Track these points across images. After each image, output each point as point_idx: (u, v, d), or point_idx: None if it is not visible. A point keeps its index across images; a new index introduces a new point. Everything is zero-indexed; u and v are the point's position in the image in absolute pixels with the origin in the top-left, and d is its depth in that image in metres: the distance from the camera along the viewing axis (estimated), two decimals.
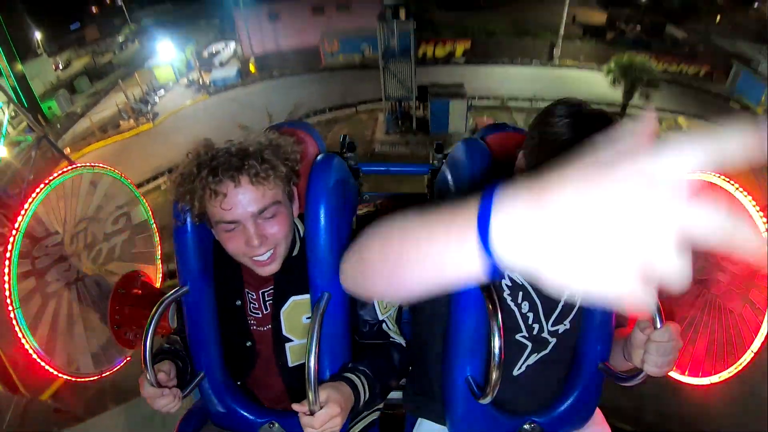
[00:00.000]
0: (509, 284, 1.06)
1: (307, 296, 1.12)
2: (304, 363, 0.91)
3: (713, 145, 0.29)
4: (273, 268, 1.07)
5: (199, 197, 0.97)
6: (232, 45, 21.48)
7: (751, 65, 17.59)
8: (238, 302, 1.16)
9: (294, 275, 1.12)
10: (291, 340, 1.15)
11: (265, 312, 1.16)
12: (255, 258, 1.03)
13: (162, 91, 18.70)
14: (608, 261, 0.30)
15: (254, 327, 1.18)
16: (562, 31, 17.74)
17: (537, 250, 0.32)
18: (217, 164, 0.97)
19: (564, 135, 0.87)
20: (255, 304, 1.16)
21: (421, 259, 0.43)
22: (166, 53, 19.77)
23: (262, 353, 1.19)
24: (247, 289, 1.16)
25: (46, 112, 17.89)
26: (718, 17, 24.81)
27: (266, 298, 1.15)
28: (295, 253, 1.14)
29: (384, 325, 1.16)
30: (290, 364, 1.17)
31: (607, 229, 0.29)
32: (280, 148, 1.04)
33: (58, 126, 17.46)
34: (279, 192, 1.03)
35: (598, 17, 24.85)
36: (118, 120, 16.01)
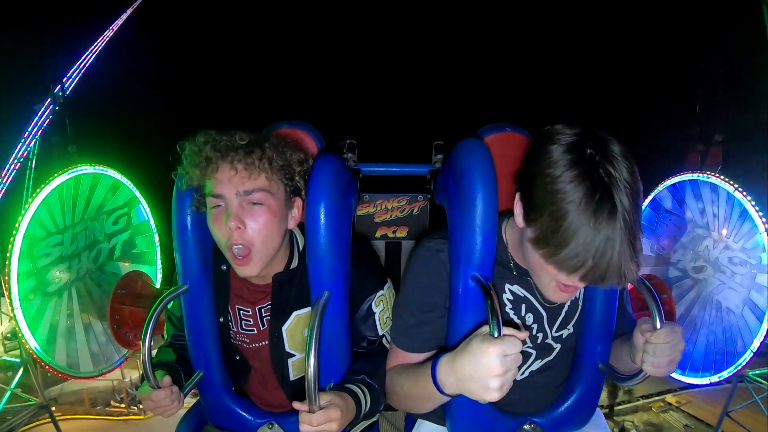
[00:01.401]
0: (510, 298, 1.05)
1: (308, 309, 1.10)
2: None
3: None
4: (249, 270, 1.03)
5: (199, 166, 1.00)
6: None
7: None
8: (221, 319, 1.14)
9: (294, 289, 1.10)
10: (293, 355, 1.14)
11: (261, 329, 1.14)
12: (233, 248, 1.01)
13: None
14: (473, 384, 0.78)
15: (245, 344, 1.16)
16: None
17: (453, 383, 0.83)
18: (220, 139, 1.01)
19: (570, 195, 0.77)
20: (249, 320, 1.14)
21: (414, 397, 1.00)
22: None
23: (257, 368, 1.18)
24: (239, 306, 1.14)
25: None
26: None
27: (263, 314, 1.13)
28: (293, 265, 1.12)
29: (384, 339, 1.15)
30: (292, 378, 1.16)
31: (471, 376, 0.78)
32: (285, 151, 1.05)
33: (48, 374, 16.11)
34: (273, 185, 1.02)
35: None
36: (110, 399, 14.93)
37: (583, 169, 0.78)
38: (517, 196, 0.92)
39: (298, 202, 1.08)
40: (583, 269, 0.79)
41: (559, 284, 0.89)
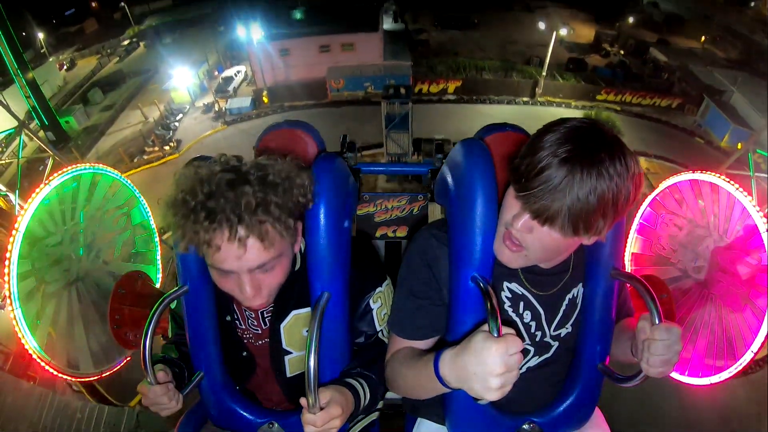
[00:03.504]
0: (509, 296, 1.05)
1: (307, 309, 1.11)
2: (303, 372, 0.91)
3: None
4: (262, 305, 1.02)
5: (193, 241, 0.87)
6: (243, 71, 21.48)
7: (723, 96, 17.52)
8: (228, 318, 1.15)
9: (295, 290, 1.10)
10: (290, 353, 1.15)
11: (263, 327, 1.15)
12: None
13: (180, 115, 18.67)
14: (475, 382, 0.78)
15: (251, 341, 1.17)
16: (544, 72, 18.67)
17: (455, 378, 0.82)
18: (214, 207, 0.84)
19: (547, 141, 0.81)
20: (254, 321, 1.15)
21: (416, 386, 0.99)
22: (180, 76, 19.39)
23: (261, 364, 1.19)
24: (244, 307, 1.15)
25: (65, 127, 17.62)
26: (703, 38, 24.73)
27: (265, 316, 1.14)
28: (296, 267, 1.11)
29: (381, 334, 1.16)
30: (288, 375, 1.17)
31: (474, 374, 0.77)
32: (291, 190, 0.92)
33: (79, 142, 17.27)
34: (284, 244, 0.94)
35: (587, 33, 25.54)
36: (143, 146, 15.93)
37: (567, 128, 0.81)
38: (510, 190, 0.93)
39: (299, 226, 1.00)
40: (536, 199, 0.81)
41: (506, 237, 0.91)
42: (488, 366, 0.75)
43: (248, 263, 0.90)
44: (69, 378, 2.31)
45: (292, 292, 1.11)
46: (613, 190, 0.78)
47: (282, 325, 1.12)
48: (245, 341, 1.17)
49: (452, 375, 0.82)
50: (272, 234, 0.89)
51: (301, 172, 0.97)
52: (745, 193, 2.09)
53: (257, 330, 1.15)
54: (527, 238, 0.88)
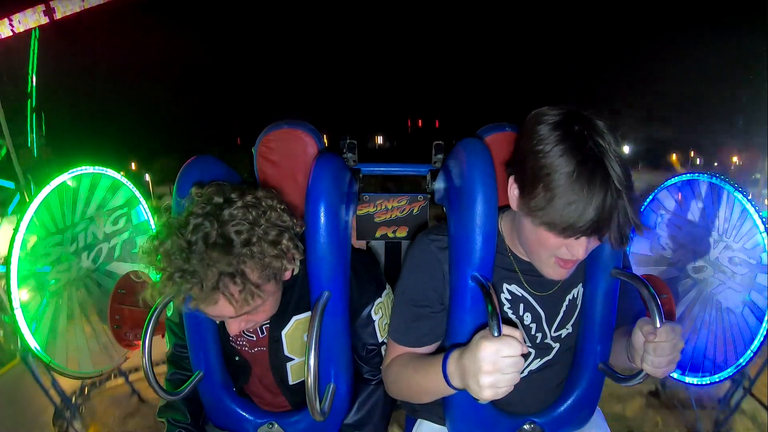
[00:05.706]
0: (508, 297, 1.05)
1: (308, 314, 1.10)
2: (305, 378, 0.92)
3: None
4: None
5: (171, 287, 0.87)
6: None
7: None
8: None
9: (293, 296, 1.10)
10: (292, 359, 1.14)
11: (260, 336, 1.14)
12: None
13: None
14: (470, 379, 0.78)
15: (244, 348, 1.16)
16: None
17: (458, 377, 0.83)
18: (188, 269, 0.85)
19: (562, 167, 0.80)
20: (249, 328, 1.13)
21: (421, 389, 0.97)
22: None
23: (256, 371, 1.18)
24: None
25: None
26: None
27: (262, 324, 1.13)
28: (296, 271, 1.10)
29: (382, 348, 1.15)
30: (291, 382, 1.16)
31: (468, 371, 0.79)
32: (269, 257, 0.91)
33: None
34: (259, 297, 0.93)
35: None
36: None
37: (572, 143, 0.81)
38: (511, 179, 0.93)
39: (271, 286, 0.98)
40: (582, 233, 0.82)
41: (558, 260, 0.91)
42: (479, 363, 0.76)
43: (220, 316, 0.95)
44: (69, 378, 2.31)
45: (291, 298, 1.10)
46: (630, 186, 0.83)
47: (284, 333, 1.12)
48: (238, 348, 1.16)
49: (456, 373, 0.83)
50: (238, 298, 0.89)
51: (284, 235, 0.94)
52: (745, 193, 2.10)
53: (251, 337, 1.14)
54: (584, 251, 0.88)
